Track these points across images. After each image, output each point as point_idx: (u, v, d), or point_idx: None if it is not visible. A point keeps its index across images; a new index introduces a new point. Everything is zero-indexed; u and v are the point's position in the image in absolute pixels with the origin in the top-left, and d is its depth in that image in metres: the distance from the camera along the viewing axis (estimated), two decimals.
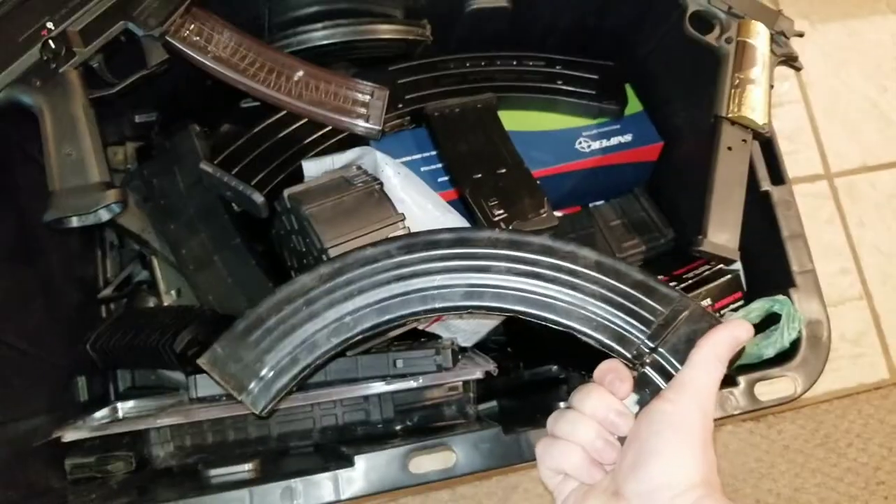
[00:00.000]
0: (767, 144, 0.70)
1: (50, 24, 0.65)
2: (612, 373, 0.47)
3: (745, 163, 0.68)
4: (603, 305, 0.49)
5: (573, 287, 0.49)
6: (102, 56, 0.66)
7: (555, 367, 0.83)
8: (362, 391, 0.68)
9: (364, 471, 0.57)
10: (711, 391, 0.45)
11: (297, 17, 0.74)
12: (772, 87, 0.70)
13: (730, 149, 0.68)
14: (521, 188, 0.71)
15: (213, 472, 0.64)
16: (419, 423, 0.72)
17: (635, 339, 0.48)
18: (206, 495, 0.56)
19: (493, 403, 0.79)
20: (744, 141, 0.68)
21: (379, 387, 0.68)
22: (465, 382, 0.72)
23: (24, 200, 0.72)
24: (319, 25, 0.73)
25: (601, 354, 0.67)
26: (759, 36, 0.71)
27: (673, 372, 0.47)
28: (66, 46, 0.65)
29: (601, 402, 0.46)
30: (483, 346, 0.82)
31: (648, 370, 0.48)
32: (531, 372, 0.84)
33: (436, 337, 0.77)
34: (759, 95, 0.69)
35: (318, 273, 0.50)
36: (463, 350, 0.78)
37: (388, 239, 0.51)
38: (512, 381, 0.82)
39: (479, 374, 0.70)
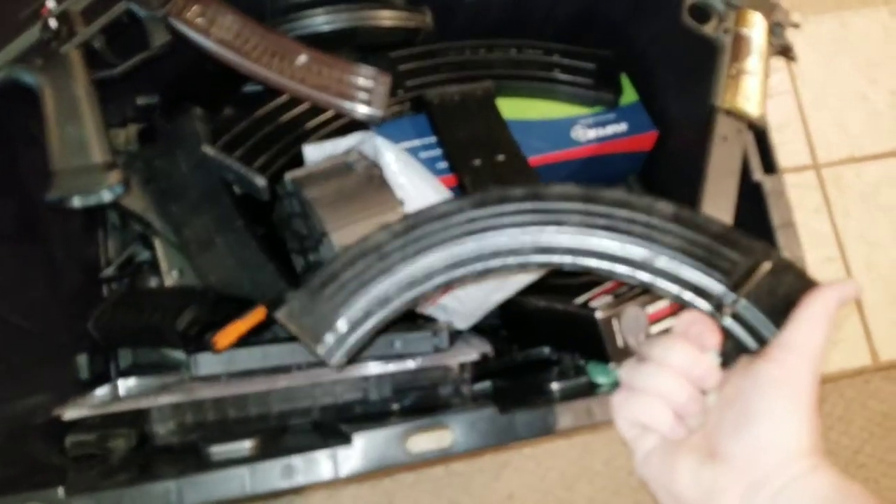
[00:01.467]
0: (761, 134, 0.71)
1: (51, 3, 0.65)
2: (698, 325, 0.45)
3: (738, 152, 0.69)
4: (681, 257, 0.47)
5: (650, 239, 0.48)
6: (104, 37, 0.66)
7: (547, 350, 0.84)
8: (361, 371, 0.69)
9: (362, 449, 0.58)
10: (821, 352, 0.42)
11: (298, 3, 0.74)
12: (767, 77, 0.71)
13: (725, 139, 0.69)
14: (518, 175, 0.73)
15: (214, 448, 0.64)
16: (416, 402, 0.73)
17: (715, 291, 0.46)
18: (207, 472, 0.57)
19: (488, 384, 0.80)
20: (738, 131, 0.69)
21: (378, 367, 0.69)
22: (461, 364, 0.73)
23: (27, 180, 0.73)
24: (320, 11, 0.73)
25: (589, 340, 0.70)
26: (756, 27, 0.72)
27: (756, 324, 0.45)
28: (68, 26, 0.65)
29: (687, 354, 0.44)
30: (478, 329, 0.83)
31: (730, 323, 0.46)
32: (524, 354, 0.85)
33: (432, 320, 0.78)
34: (754, 86, 0.70)
35: (392, 229, 0.51)
36: (459, 333, 0.80)
37: (461, 196, 0.51)
38: (506, 363, 0.83)
39: (474, 356, 0.72)
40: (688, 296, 0.47)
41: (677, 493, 0.43)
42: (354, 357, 0.51)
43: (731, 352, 0.45)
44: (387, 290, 0.50)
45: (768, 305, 0.45)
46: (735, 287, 0.46)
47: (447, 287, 0.52)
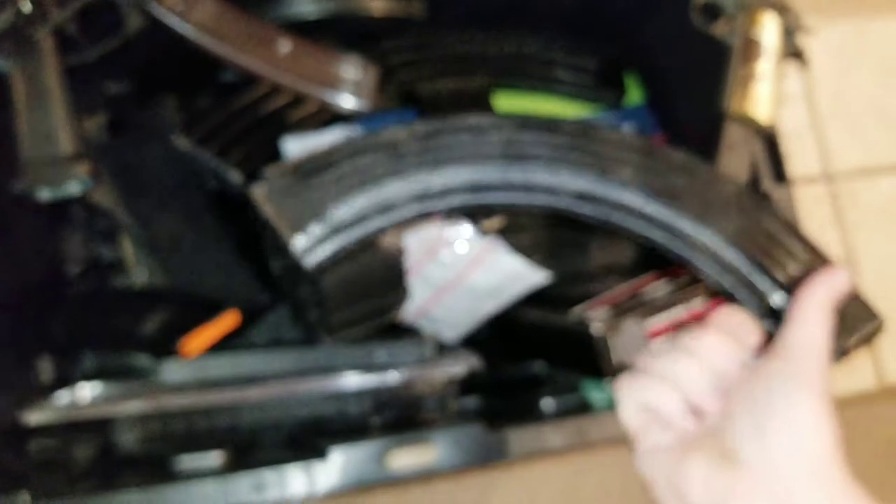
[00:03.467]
0: (771, 142, 0.70)
1: None
2: (740, 321, 0.43)
3: (747, 160, 0.67)
4: (737, 244, 0.44)
5: (707, 215, 0.44)
6: (78, 21, 0.64)
7: (538, 365, 0.82)
8: (340, 382, 0.67)
9: (339, 464, 0.56)
10: (824, 345, 0.41)
11: None
12: (779, 82, 0.69)
13: (732, 145, 0.66)
14: None
15: (181, 459, 0.62)
16: (398, 417, 0.71)
17: (764, 291, 0.44)
18: (174, 484, 0.55)
19: (475, 400, 0.77)
20: (747, 138, 0.67)
21: (357, 378, 0.67)
22: (448, 377, 0.70)
23: None
24: None
25: (583, 356, 0.68)
26: (767, 29, 0.69)
27: None
28: (41, 10, 0.62)
29: (724, 347, 0.42)
30: (467, 342, 0.80)
31: (774, 327, 0.44)
32: (515, 368, 0.83)
33: (417, 332, 0.75)
34: (764, 91, 0.67)
35: (413, 129, 0.44)
36: (445, 346, 0.77)
37: (501, 114, 0.45)
38: (495, 378, 0.81)
39: (461, 369, 0.69)
40: (735, 290, 0.44)
41: (685, 494, 0.40)
42: (333, 263, 0.43)
43: None
44: (394, 195, 0.43)
45: None
46: (785, 292, 0.44)
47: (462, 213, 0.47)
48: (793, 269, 0.44)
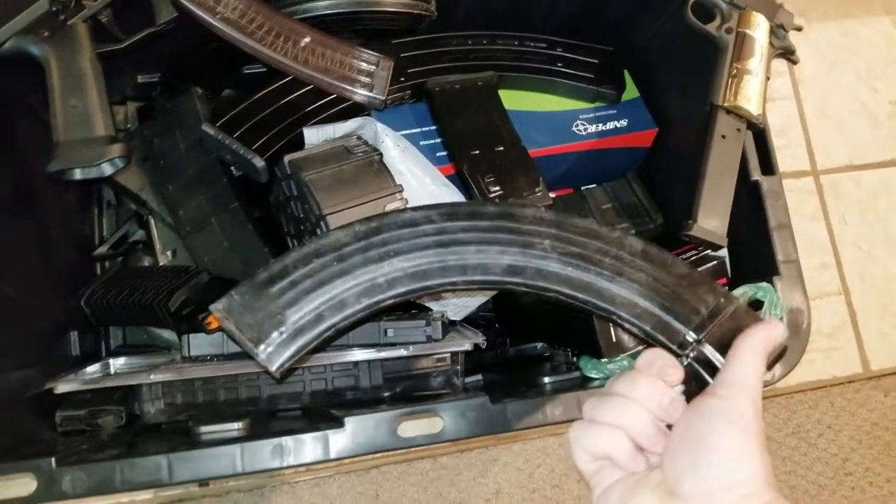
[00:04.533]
0: (760, 136, 0.71)
1: None
2: (662, 361, 0.47)
3: (737, 151, 0.69)
4: (648, 293, 0.48)
5: (618, 273, 0.49)
6: (111, 11, 0.67)
7: (540, 345, 0.85)
8: (353, 357, 0.69)
9: (353, 432, 0.58)
10: (758, 387, 0.44)
11: None
12: (768, 78, 0.72)
13: (724, 137, 0.69)
14: (517, 166, 0.73)
15: (203, 429, 0.64)
16: (406, 391, 0.73)
17: (679, 330, 0.48)
18: (197, 449, 0.56)
19: (479, 377, 0.80)
20: (738, 130, 0.69)
21: (369, 354, 0.69)
22: (453, 354, 0.73)
23: (24, 153, 0.73)
24: None
25: (583, 334, 0.70)
26: (758, 28, 0.72)
27: (718, 366, 0.47)
28: None
29: (653, 388, 0.45)
30: (471, 321, 0.83)
31: (693, 362, 0.47)
32: (517, 348, 0.86)
33: (426, 309, 0.77)
34: (755, 86, 0.70)
35: (354, 230, 0.48)
36: (452, 323, 0.79)
37: (430, 205, 0.49)
38: (498, 356, 0.84)
39: (467, 347, 0.71)
40: (653, 333, 0.48)
41: None
42: (297, 366, 0.48)
43: (693, 389, 0.46)
44: (343, 294, 0.47)
45: (727, 346, 0.46)
46: (698, 329, 0.47)
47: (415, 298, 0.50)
48: (703, 308, 0.48)
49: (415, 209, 0.49)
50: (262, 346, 0.46)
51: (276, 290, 0.46)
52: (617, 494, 0.44)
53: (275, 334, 0.46)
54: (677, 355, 0.48)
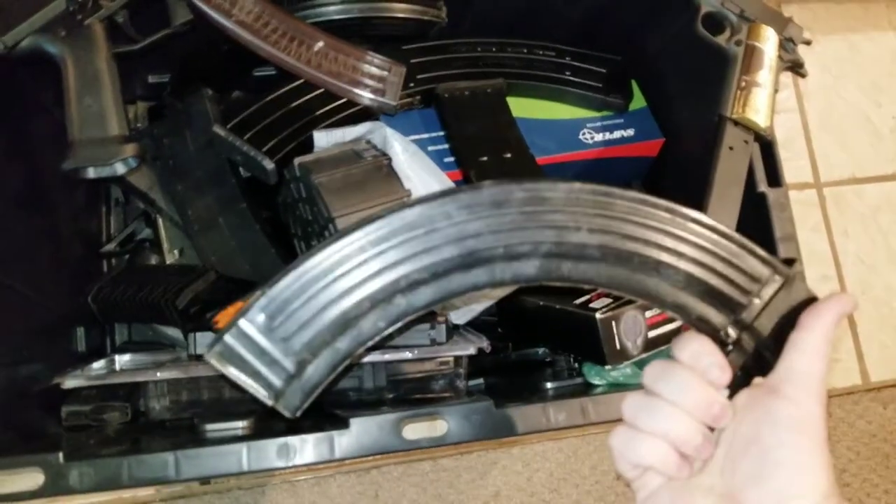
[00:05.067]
0: (767, 147, 0.72)
1: None
2: (709, 357, 0.41)
3: (744, 163, 0.70)
4: (697, 271, 0.42)
5: (664, 248, 0.42)
6: (127, 11, 0.67)
7: (542, 350, 0.84)
8: (357, 359, 0.69)
9: (358, 434, 0.58)
10: (825, 378, 0.40)
11: None
12: (776, 91, 0.72)
13: (731, 148, 0.69)
14: (525, 173, 0.73)
15: (209, 426, 0.64)
16: (409, 393, 0.73)
17: (728, 314, 0.42)
18: (204, 447, 0.57)
19: (480, 381, 0.81)
20: (745, 142, 0.70)
21: (373, 355, 0.69)
22: (457, 358, 0.73)
23: (36, 150, 0.73)
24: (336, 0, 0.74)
25: (587, 341, 0.71)
26: (768, 41, 0.73)
27: (767, 355, 0.42)
28: None
29: (699, 393, 0.40)
30: (473, 324, 0.83)
31: (741, 350, 0.42)
32: (519, 353, 0.86)
33: (431, 312, 0.78)
34: (763, 98, 0.71)
35: (358, 243, 0.40)
36: (456, 327, 0.80)
37: (443, 193, 0.41)
38: (500, 361, 0.84)
39: (471, 350, 0.71)
40: (699, 316, 0.42)
41: None
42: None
43: (741, 381, 0.42)
44: (358, 320, 0.41)
45: (780, 333, 0.41)
46: (749, 312, 0.42)
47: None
48: (756, 285, 0.42)
49: (424, 199, 0.41)
50: (271, 393, 0.41)
51: (278, 322, 0.40)
52: (667, 500, 0.42)
53: (285, 377, 0.41)
54: (724, 344, 0.42)
